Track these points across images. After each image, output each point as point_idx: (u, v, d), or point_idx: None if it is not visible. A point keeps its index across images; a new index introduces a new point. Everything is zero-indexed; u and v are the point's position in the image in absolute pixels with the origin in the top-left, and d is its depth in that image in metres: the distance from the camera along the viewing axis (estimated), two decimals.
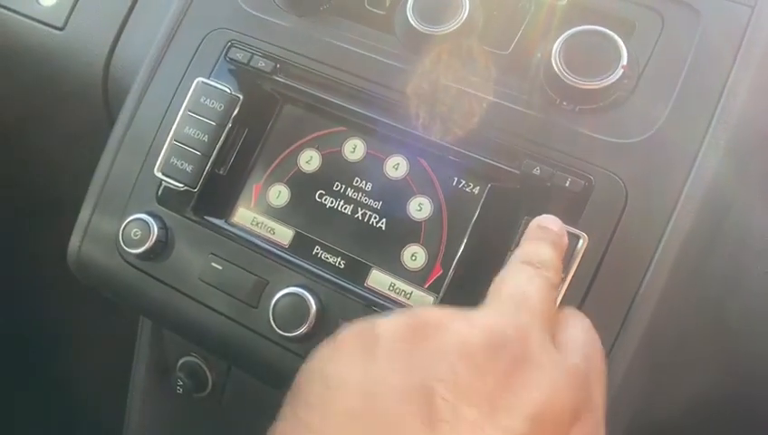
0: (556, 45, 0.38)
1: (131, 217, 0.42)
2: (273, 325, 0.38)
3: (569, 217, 0.36)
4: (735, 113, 0.37)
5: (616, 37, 0.38)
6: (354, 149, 0.42)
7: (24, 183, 0.78)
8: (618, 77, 0.37)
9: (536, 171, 0.37)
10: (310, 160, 0.42)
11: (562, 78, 0.37)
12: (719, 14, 0.39)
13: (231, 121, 0.43)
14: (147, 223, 0.42)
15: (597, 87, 0.37)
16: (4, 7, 0.62)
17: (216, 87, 0.43)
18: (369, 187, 0.41)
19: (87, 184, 0.47)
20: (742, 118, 0.38)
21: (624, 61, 0.37)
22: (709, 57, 0.38)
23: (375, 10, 0.44)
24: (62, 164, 0.69)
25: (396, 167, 0.41)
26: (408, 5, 0.41)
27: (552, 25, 0.41)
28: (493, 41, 0.41)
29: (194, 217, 0.42)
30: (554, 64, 0.38)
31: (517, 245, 0.36)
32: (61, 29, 0.59)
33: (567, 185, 0.37)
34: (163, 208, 0.43)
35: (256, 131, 0.43)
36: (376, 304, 0.39)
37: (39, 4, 0.61)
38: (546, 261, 0.30)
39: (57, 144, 0.68)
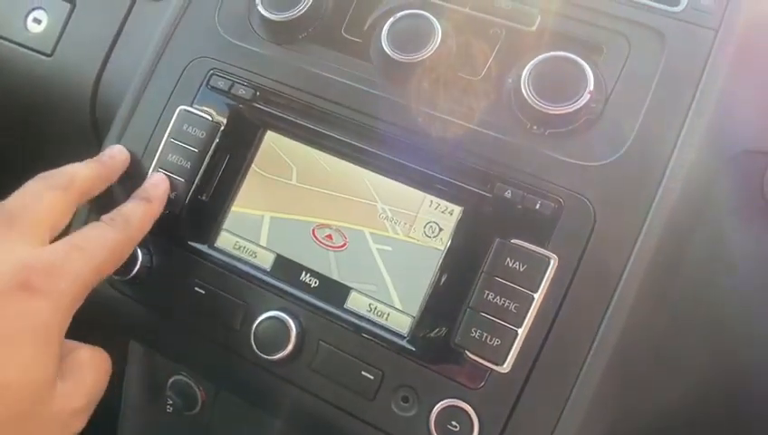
0: (525, 72, 0.39)
1: None
2: (255, 348, 0.39)
3: (540, 238, 0.38)
4: (700, 134, 0.39)
5: (582, 63, 0.39)
6: None
7: None
8: (585, 102, 0.38)
9: (507, 194, 0.39)
10: None
11: (531, 103, 0.39)
12: (684, 37, 0.41)
13: (213, 148, 0.44)
14: (134, 252, 0.43)
15: (565, 112, 0.38)
16: None
17: (197, 115, 0.44)
18: None
19: None
20: (707, 139, 0.39)
21: (591, 86, 0.38)
22: (674, 80, 0.40)
23: (351, 38, 0.45)
24: None
25: None
26: (383, 34, 0.42)
27: (522, 51, 0.42)
28: (465, 67, 0.43)
29: (178, 242, 0.43)
30: (523, 90, 0.39)
31: (488, 265, 0.38)
32: (49, 55, 0.60)
33: (537, 207, 0.38)
34: (148, 235, 0.44)
35: (238, 157, 0.44)
36: (355, 326, 0.40)
37: (27, 30, 0.62)
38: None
39: (46, 168, 0.69)
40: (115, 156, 0.44)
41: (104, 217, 0.38)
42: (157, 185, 0.42)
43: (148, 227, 0.40)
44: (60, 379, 0.32)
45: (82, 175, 0.40)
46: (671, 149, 0.38)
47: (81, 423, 0.34)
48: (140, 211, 0.40)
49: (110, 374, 0.37)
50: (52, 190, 0.37)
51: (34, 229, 0.35)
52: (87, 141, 0.59)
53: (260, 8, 0.45)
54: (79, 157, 0.55)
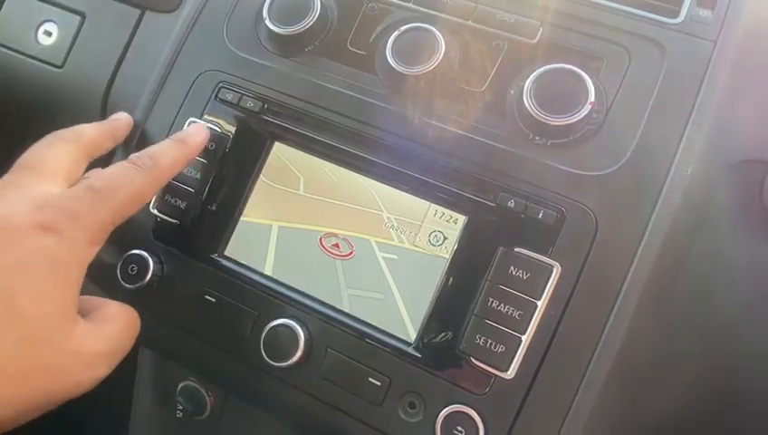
0: (527, 83, 0.40)
1: (129, 253, 0.44)
2: (264, 355, 0.40)
3: (542, 247, 0.38)
4: (700, 144, 0.39)
5: (583, 74, 0.40)
6: None
7: None
8: (586, 113, 0.39)
9: (511, 204, 0.39)
10: None
11: (534, 115, 0.40)
12: (683, 49, 0.41)
13: (221, 159, 0.45)
14: (144, 259, 0.44)
15: (566, 123, 0.39)
16: (4, 46, 0.64)
17: (207, 127, 0.45)
18: None
19: None
20: (706, 148, 0.40)
21: (591, 97, 0.39)
22: (674, 90, 0.40)
23: (357, 51, 0.46)
24: None
25: None
26: (388, 47, 0.43)
27: (524, 63, 0.43)
28: (469, 79, 0.43)
29: (188, 252, 0.44)
30: (526, 102, 0.40)
31: (492, 273, 0.38)
32: (59, 67, 0.62)
33: (540, 217, 0.39)
34: (159, 244, 0.45)
35: (247, 167, 0.45)
36: (363, 333, 0.40)
37: (38, 42, 0.63)
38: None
39: None
40: (120, 118, 0.47)
41: (132, 156, 0.39)
42: (195, 133, 0.43)
43: (177, 169, 0.41)
44: (84, 320, 0.34)
45: (90, 131, 0.43)
46: (671, 159, 0.39)
47: (105, 368, 0.35)
48: (172, 152, 0.40)
49: (136, 331, 0.38)
50: (65, 142, 0.40)
51: (51, 175, 0.37)
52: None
53: (267, 22, 0.46)
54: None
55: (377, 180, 0.43)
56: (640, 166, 0.39)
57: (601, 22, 0.43)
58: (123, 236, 0.46)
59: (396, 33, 0.43)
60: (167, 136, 0.47)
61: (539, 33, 0.43)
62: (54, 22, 0.63)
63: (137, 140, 0.49)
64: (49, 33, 0.63)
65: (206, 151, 0.45)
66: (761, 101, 0.42)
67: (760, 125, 0.41)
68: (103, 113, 0.60)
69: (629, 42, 0.42)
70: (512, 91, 0.42)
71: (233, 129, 0.45)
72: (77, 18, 0.62)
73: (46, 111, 0.63)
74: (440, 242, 0.41)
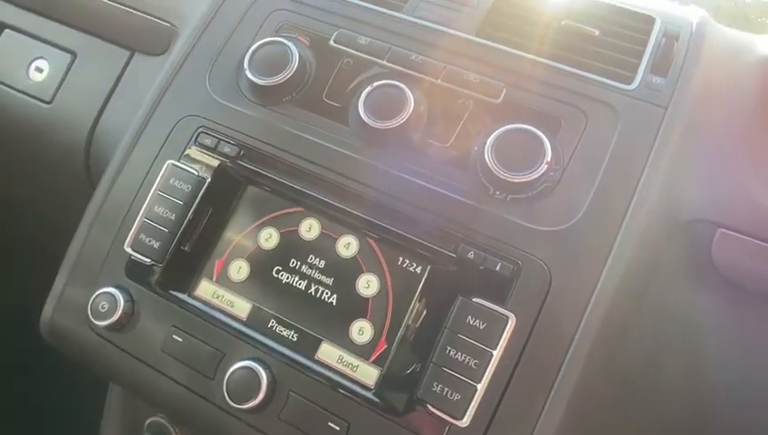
0: (489, 141, 0.43)
1: (100, 291, 0.45)
2: (227, 398, 0.41)
3: (499, 297, 0.40)
4: (650, 204, 0.42)
5: (541, 135, 0.42)
6: (310, 228, 0.46)
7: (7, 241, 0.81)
8: (543, 171, 0.42)
9: (470, 255, 0.41)
10: (269, 238, 0.46)
11: (494, 171, 0.42)
12: (636, 113, 0.44)
13: (197, 202, 0.47)
14: (114, 297, 0.45)
15: (525, 180, 0.42)
16: None
17: (184, 170, 0.47)
18: (322, 264, 0.45)
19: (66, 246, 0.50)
20: (656, 208, 0.42)
21: (548, 157, 0.42)
22: (627, 152, 0.43)
23: (332, 103, 0.48)
24: (47, 226, 0.72)
25: (347, 246, 0.45)
26: (361, 101, 0.45)
27: (488, 121, 0.45)
28: (435, 134, 0.46)
29: (159, 291, 0.46)
30: (487, 158, 0.42)
31: (450, 322, 0.40)
32: (48, 103, 0.64)
33: (498, 269, 0.41)
34: (131, 282, 0.46)
35: (221, 210, 0.47)
36: (325, 377, 0.41)
37: (29, 78, 0.65)
38: None
39: (41, 209, 0.72)
40: None
41: None
42: None
43: None
44: None
45: None
46: (622, 217, 0.41)
47: None
48: None
49: None
50: None
51: None
52: (80, 189, 0.61)
53: (248, 73, 0.48)
54: (70, 204, 0.58)
55: (345, 227, 0.45)
56: (593, 223, 0.41)
57: (561, 85, 0.46)
58: (95, 273, 0.47)
59: (368, 88, 0.46)
60: (145, 177, 0.49)
61: (502, 94, 0.46)
62: (46, 59, 0.66)
63: (118, 177, 0.50)
64: (40, 70, 0.66)
65: (182, 193, 0.47)
66: (709, 163, 0.44)
67: (708, 186, 0.44)
68: (87, 150, 0.61)
69: (586, 105, 0.45)
70: (475, 148, 0.44)
71: (209, 172, 0.47)
72: (68, 56, 0.65)
73: (33, 145, 0.65)
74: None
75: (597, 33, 0.48)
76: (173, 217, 0.46)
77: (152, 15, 0.60)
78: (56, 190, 0.68)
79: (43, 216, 0.74)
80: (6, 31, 0.67)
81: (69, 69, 0.64)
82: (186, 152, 0.48)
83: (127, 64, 0.62)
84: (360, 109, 0.45)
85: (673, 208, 0.43)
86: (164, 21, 0.59)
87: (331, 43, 0.50)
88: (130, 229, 0.47)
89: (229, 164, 0.47)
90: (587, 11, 0.50)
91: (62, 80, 0.64)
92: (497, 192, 0.43)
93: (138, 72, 0.61)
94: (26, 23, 0.66)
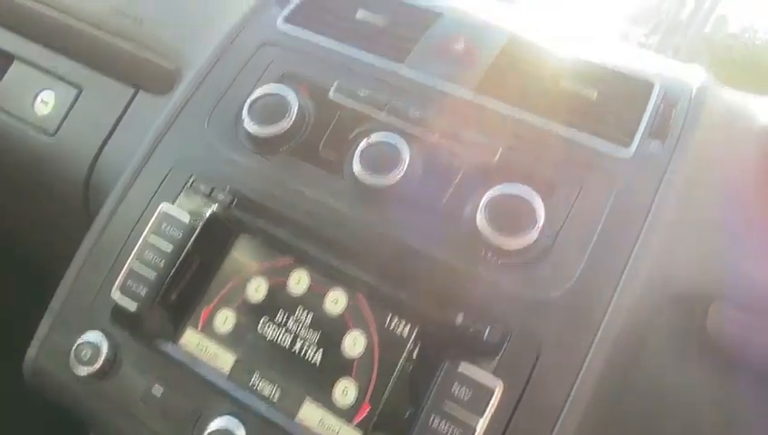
0: (482, 203, 0.42)
1: (84, 338, 0.45)
2: None
3: (487, 364, 0.39)
4: (643, 275, 0.41)
5: (535, 200, 0.42)
6: (299, 280, 0.45)
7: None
8: (535, 238, 0.41)
9: (459, 319, 0.41)
10: (257, 289, 0.46)
11: (485, 234, 0.41)
12: (631, 181, 0.44)
13: (187, 249, 0.46)
14: (97, 345, 0.44)
15: (516, 247, 0.41)
16: (2, 109, 0.67)
17: (176, 215, 0.47)
18: (309, 319, 0.44)
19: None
20: (649, 279, 0.41)
21: (540, 223, 0.41)
22: (620, 222, 0.43)
23: (329, 155, 0.48)
24: (45, 254, 0.72)
25: (335, 302, 0.44)
26: (356, 156, 0.45)
27: (482, 181, 0.45)
28: (430, 192, 0.46)
29: (142, 339, 0.45)
30: (479, 221, 0.42)
31: (433, 391, 0.39)
32: (52, 135, 0.64)
33: (486, 335, 0.40)
34: (116, 328, 0.46)
35: (211, 257, 0.47)
36: None
37: (35, 110, 0.66)
38: None
39: (37, 245, 0.72)
40: None
41: None
42: None
43: None
44: None
45: None
46: (614, 288, 0.41)
47: None
48: None
49: None
50: None
51: None
52: (78, 221, 0.62)
53: (246, 122, 0.48)
54: (69, 237, 0.58)
55: (333, 282, 0.44)
56: (584, 293, 0.41)
57: (557, 148, 0.45)
58: (80, 318, 0.47)
59: (364, 143, 0.46)
60: (138, 219, 0.49)
61: (498, 154, 0.46)
62: (53, 91, 0.67)
63: (111, 220, 0.50)
64: (46, 102, 0.66)
65: (172, 239, 0.46)
66: (704, 233, 0.44)
67: (702, 257, 0.43)
68: (87, 183, 0.62)
69: (581, 169, 0.45)
70: (468, 209, 0.44)
71: (201, 219, 0.47)
72: (74, 90, 0.66)
73: (34, 175, 0.65)
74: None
75: (595, 96, 0.48)
76: (162, 264, 0.46)
77: (157, 56, 0.61)
78: (55, 220, 0.68)
79: (40, 244, 0.74)
80: (16, 62, 0.68)
81: (74, 103, 0.65)
82: (180, 197, 0.48)
83: (131, 101, 0.63)
84: (355, 163, 0.45)
85: (667, 278, 0.42)
86: (168, 62, 0.60)
87: (331, 93, 0.50)
88: (119, 274, 0.46)
89: (222, 212, 0.47)
90: (587, 73, 0.50)
91: (67, 113, 0.65)
92: (489, 255, 0.42)
93: (141, 110, 0.62)
94: (35, 55, 0.67)
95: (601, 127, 0.46)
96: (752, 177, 0.46)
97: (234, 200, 0.47)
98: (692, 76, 0.51)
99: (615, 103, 0.48)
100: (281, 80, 0.52)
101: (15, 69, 0.68)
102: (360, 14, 0.55)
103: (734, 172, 0.46)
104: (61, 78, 0.66)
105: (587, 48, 0.53)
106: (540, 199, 0.42)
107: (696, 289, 0.42)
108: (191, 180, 0.49)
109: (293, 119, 0.48)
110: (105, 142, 0.62)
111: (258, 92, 0.49)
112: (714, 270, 0.43)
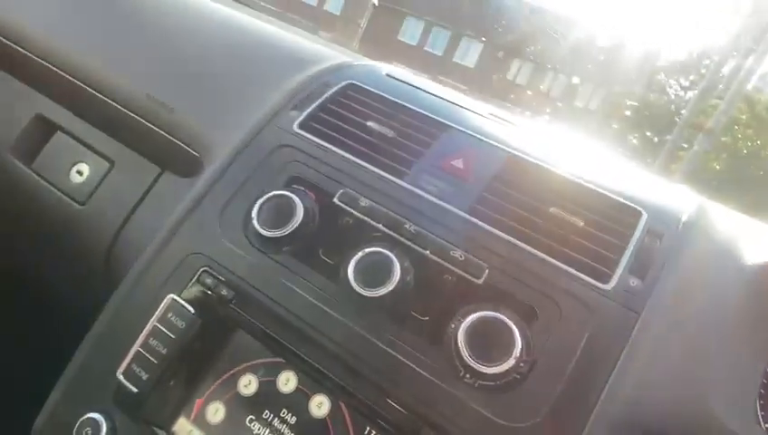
0: (463, 325, 0.45)
1: (87, 416, 0.48)
2: None
3: None
4: (613, 410, 0.43)
5: (514, 327, 0.44)
6: (287, 381, 0.48)
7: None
8: (512, 365, 0.43)
9: None
10: (248, 385, 0.49)
11: (464, 357, 0.44)
12: (609, 315, 0.46)
13: (189, 339, 0.50)
14: (98, 423, 0.47)
15: (493, 371, 0.43)
16: (41, 175, 0.73)
17: (183, 306, 0.51)
18: (293, 420, 0.47)
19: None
20: (619, 415, 0.43)
21: (517, 352, 0.43)
22: (595, 354, 0.44)
23: (327, 259, 0.52)
24: (65, 315, 0.77)
25: (319, 406, 0.47)
26: (351, 266, 0.49)
27: (466, 300, 0.48)
28: (417, 307, 0.49)
29: (140, 422, 0.48)
30: (459, 342, 0.44)
31: None
32: (82, 204, 0.70)
33: None
34: (116, 409, 0.49)
35: (209, 350, 0.50)
36: None
37: (69, 179, 0.72)
38: None
39: (56, 307, 0.77)
40: None
41: None
42: None
43: None
44: None
45: None
46: (585, 421, 0.42)
47: None
48: None
49: None
50: None
51: None
52: (96, 289, 0.66)
53: (254, 221, 0.53)
54: (87, 302, 0.62)
55: (319, 386, 0.47)
56: (556, 424, 0.42)
57: (539, 274, 0.48)
58: (86, 395, 0.50)
59: (360, 253, 0.49)
60: (149, 304, 0.52)
61: (484, 275, 0.49)
62: (87, 163, 0.73)
63: (127, 299, 0.54)
64: (80, 173, 0.72)
65: (177, 329, 0.50)
66: (677, 378, 0.45)
67: (675, 401, 0.44)
68: (109, 253, 0.66)
69: (561, 298, 0.47)
70: (451, 326, 0.47)
71: (205, 312, 0.51)
72: (106, 164, 0.71)
73: (63, 240, 0.71)
74: None
75: (581, 223, 0.51)
76: (164, 352, 0.49)
77: (181, 141, 0.66)
78: (76, 280, 0.73)
79: (59, 301, 0.79)
80: (58, 133, 0.75)
81: (105, 175, 0.71)
82: (188, 288, 0.52)
83: (156, 180, 0.68)
84: (349, 273, 0.49)
85: (637, 416, 0.44)
86: (191, 149, 0.65)
87: (335, 200, 0.54)
88: (126, 357, 0.50)
89: (222, 307, 0.51)
90: (577, 198, 0.53)
91: (98, 185, 0.70)
92: (467, 376, 0.45)
93: (165, 189, 0.67)
94: (76, 128, 0.74)
95: (583, 257, 0.49)
96: (733, 323, 0.47)
97: (234, 296, 0.51)
98: (683, 204, 0.54)
99: (600, 232, 0.50)
100: (291, 182, 0.56)
101: (57, 139, 0.75)
102: (370, 124, 0.60)
103: (716, 316, 0.47)
104: (95, 151, 0.72)
105: (581, 167, 0.56)
106: (519, 327, 0.44)
107: (667, 431, 0.44)
108: (199, 273, 0.53)
109: (298, 223, 0.52)
110: (129, 216, 0.67)
111: (268, 194, 0.54)
112: (686, 413, 0.44)
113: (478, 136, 0.58)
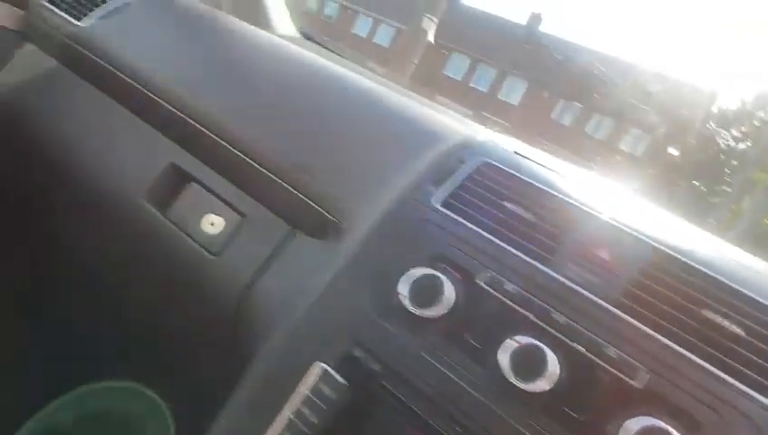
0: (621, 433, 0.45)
1: None
2: None
3: None
4: None
5: None
6: None
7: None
8: None
9: None
10: None
11: None
12: None
13: (340, 411, 0.51)
14: None
15: None
16: (175, 224, 0.77)
17: (334, 377, 0.52)
18: None
19: None
20: None
21: None
22: None
23: (473, 343, 0.53)
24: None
25: None
26: (503, 353, 0.49)
27: (623, 404, 0.47)
28: (571, 404, 0.49)
29: None
30: None
31: None
32: (215, 255, 0.73)
33: None
34: None
35: (355, 423, 0.51)
36: None
37: (202, 229, 0.76)
38: None
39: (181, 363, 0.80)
40: None
41: None
42: None
43: None
44: None
45: None
46: None
47: None
48: None
49: None
50: None
51: None
52: (223, 336, 0.69)
53: (402, 299, 0.54)
54: (214, 357, 0.65)
55: None
56: None
57: (702, 385, 0.47)
58: None
59: (511, 342, 0.50)
60: (296, 370, 0.54)
61: (640, 377, 0.48)
62: (220, 215, 0.76)
63: (275, 362, 0.56)
64: (213, 223, 0.76)
65: (327, 399, 0.51)
66: None
67: None
68: (237, 310, 0.69)
69: (727, 412, 0.46)
70: (613, 430, 0.46)
71: (354, 386, 0.52)
72: (238, 217, 0.75)
73: (191, 289, 0.74)
74: None
75: (743, 333, 0.50)
76: (316, 421, 0.51)
77: (317, 204, 0.69)
78: (201, 330, 0.77)
79: (182, 347, 0.82)
80: (192, 183, 0.80)
81: (238, 229, 0.74)
82: (336, 359, 0.54)
83: (286, 238, 0.71)
84: (501, 360, 0.49)
85: None
86: (328, 213, 0.68)
87: (480, 282, 0.55)
88: (271, 422, 0.52)
89: (370, 381, 0.52)
90: (732, 303, 0.52)
91: (230, 238, 0.74)
92: None
93: (295, 248, 0.70)
94: (210, 180, 0.78)
95: (747, 369, 0.48)
96: None
97: (383, 372, 0.52)
98: None
99: (763, 345, 0.49)
100: (435, 259, 0.58)
101: (191, 189, 0.79)
102: (509, 205, 0.61)
103: None
104: (228, 203, 0.76)
105: (729, 266, 0.56)
106: None
107: None
108: (349, 346, 0.54)
109: (450, 305, 0.53)
110: (260, 271, 0.70)
111: (416, 273, 0.55)
112: None
113: (621, 226, 0.59)
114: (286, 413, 0.52)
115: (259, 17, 1.30)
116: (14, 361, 0.95)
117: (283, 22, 1.38)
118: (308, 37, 1.36)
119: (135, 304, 0.81)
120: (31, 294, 1.01)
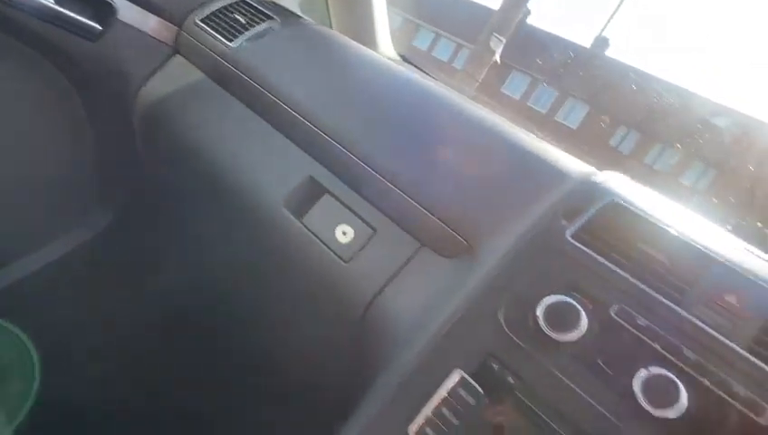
0: None
1: None
2: None
3: None
4: None
5: None
6: None
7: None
8: None
9: None
10: None
11: None
12: None
13: (476, 420, 0.57)
14: None
15: None
16: (311, 231, 0.86)
17: (472, 384, 0.59)
18: None
19: None
20: None
21: None
22: None
23: (606, 369, 0.58)
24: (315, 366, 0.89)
25: None
26: (638, 383, 0.54)
27: None
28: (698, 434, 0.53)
29: None
30: None
31: None
32: (346, 262, 0.81)
33: None
34: None
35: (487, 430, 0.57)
36: None
37: (335, 237, 0.84)
38: None
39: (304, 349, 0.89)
40: None
41: None
42: None
43: None
44: None
45: None
46: None
47: None
48: None
49: None
50: None
51: None
52: (349, 343, 0.76)
53: (542, 322, 0.60)
54: (337, 352, 0.72)
55: None
56: None
57: None
58: None
59: (645, 373, 0.55)
60: (433, 375, 0.61)
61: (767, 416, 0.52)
62: (351, 226, 0.84)
63: (416, 360, 0.63)
64: (345, 233, 0.84)
65: (465, 404, 0.58)
66: None
67: None
68: (364, 316, 0.76)
69: None
70: None
71: (492, 396, 0.58)
72: (370, 230, 0.83)
73: (321, 292, 0.82)
74: None
75: None
76: (456, 422, 0.57)
77: (449, 226, 0.76)
78: (326, 336, 0.84)
79: (305, 351, 0.90)
80: (326, 195, 0.88)
81: (368, 241, 0.82)
82: (474, 369, 0.60)
83: (414, 254, 0.78)
84: (636, 388, 0.54)
85: None
86: (459, 235, 0.75)
87: (612, 314, 0.60)
88: (410, 417, 0.59)
89: (506, 393, 0.58)
90: None
91: (362, 248, 0.81)
92: None
93: (424, 264, 0.77)
94: (342, 193, 0.87)
95: None
96: None
97: (518, 385, 0.58)
98: None
99: None
100: (569, 288, 0.63)
101: (325, 200, 0.88)
102: (640, 245, 0.66)
103: None
104: (360, 216, 0.84)
105: None
106: None
107: None
108: (486, 359, 0.61)
109: (584, 330, 0.59)
110: (389, 281, 0.77)
111: (553, 299, 0.61)
112: None
113: (748, 275, 0.62)
114: (426, 411, 0.59)
115: (366, 39, 1.40)
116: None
117: (386, 44, 1.47)
118: (406, 60, 1.45)
119: (271, 301, 0.90)
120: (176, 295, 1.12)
